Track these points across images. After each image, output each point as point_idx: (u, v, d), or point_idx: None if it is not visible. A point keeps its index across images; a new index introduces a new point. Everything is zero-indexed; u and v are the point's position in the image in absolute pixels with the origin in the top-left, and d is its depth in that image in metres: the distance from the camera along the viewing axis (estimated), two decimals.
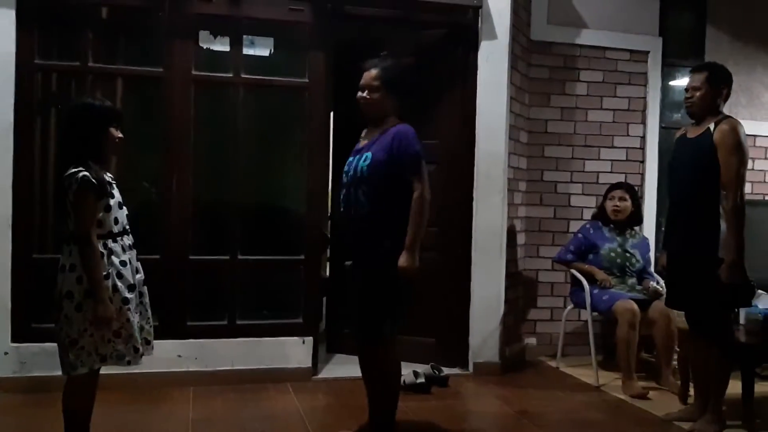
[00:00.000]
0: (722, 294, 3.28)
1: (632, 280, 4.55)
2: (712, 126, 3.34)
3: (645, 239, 4.80)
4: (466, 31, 4.41)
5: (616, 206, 4.59)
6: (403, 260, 2.88)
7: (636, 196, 4.73)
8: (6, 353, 3.73)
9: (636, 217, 4.70)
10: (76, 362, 2.60)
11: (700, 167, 3.34)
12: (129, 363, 2.71)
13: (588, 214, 4.97)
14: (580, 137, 5.07)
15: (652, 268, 4.70)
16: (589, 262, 4.56)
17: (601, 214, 4.68)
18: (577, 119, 5.08)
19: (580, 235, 4.68)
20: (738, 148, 3.28)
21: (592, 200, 4.97)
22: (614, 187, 4.68)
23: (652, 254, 4.78)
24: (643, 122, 5.13)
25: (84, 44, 3.91)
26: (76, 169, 2.58)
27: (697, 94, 3.41)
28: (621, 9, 5.11)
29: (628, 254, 4.57)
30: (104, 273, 2.60)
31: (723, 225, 3.29)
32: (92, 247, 2.57)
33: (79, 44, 3.90)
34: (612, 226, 4.63)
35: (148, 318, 2.85)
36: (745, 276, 3.27)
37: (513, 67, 4.54)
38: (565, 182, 5.05)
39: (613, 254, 4.55)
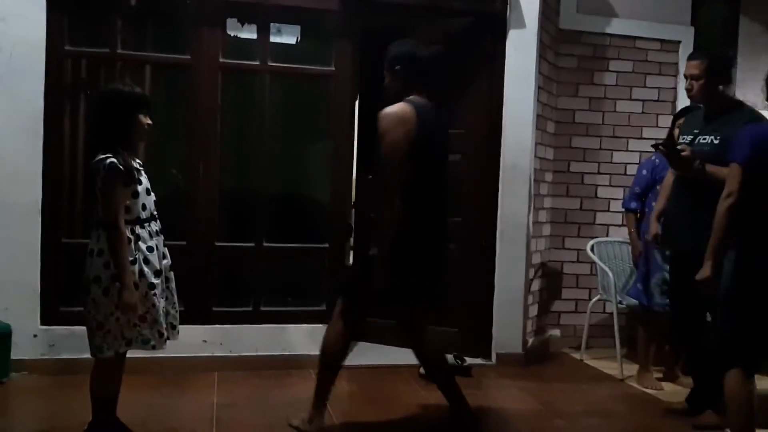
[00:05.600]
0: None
1: None
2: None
3: None
4: (495, 20, 4.36)
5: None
6: None
7: None
8: (35, 335, 3.79)
9: None
10: (103, 345, 2.65)
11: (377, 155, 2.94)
12: (154, 347, 2.74)
13: (615, 206, 4.91)
14: (608, 128, 5.01)
15: None
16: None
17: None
18: (606, 110, 5.01)
19: (644, 172, 4.27)
20: (390, 133, 2.82)
21: (619, 192, 4.89)
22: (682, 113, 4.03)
23: None
24: (673, 113, 5.04)
25: (113, 31, 3.93)
26: (104, 156, 2.61)
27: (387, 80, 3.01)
28: None
29: None
30: (131, 258, 2.63)
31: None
32: (119, 233, 2.60)
33: (108, 31, 3.93)
34: None
35: (174, 303, 2.89)
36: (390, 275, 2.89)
37: (541, 56, 4.49)
38: (592, 173, 4.99)
39: None
